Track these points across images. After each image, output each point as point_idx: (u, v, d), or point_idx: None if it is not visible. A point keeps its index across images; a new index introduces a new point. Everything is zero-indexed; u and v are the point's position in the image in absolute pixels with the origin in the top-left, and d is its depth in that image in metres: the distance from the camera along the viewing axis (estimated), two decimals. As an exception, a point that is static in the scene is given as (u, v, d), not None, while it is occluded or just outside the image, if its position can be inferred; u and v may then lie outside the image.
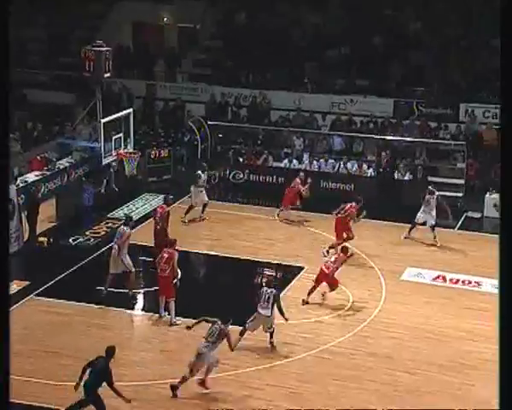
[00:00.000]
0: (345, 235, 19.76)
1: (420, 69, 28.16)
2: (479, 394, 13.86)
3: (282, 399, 13.43)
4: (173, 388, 13.23)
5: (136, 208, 23.30)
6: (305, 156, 26.33)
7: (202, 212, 22.13)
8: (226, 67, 30.13)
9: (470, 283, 18.65)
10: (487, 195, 23.67)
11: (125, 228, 17.22)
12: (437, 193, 21.20)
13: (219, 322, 13.55)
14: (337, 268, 17.42)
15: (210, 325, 13.60)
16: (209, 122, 27.25)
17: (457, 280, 18.79)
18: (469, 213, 23.58)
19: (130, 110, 24.20)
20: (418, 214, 21.00)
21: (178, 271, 16.54)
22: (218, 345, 13.53)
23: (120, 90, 29.42)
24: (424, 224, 21.03)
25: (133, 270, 17.05)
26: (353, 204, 19.99)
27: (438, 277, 18.95)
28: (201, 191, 22.08)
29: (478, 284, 18.56)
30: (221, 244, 20.62)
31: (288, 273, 19.08)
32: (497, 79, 26.91)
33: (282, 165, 26.13)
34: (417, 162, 25.53)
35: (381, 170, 25.36)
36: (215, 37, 31.85)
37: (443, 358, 15.14)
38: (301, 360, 14.88)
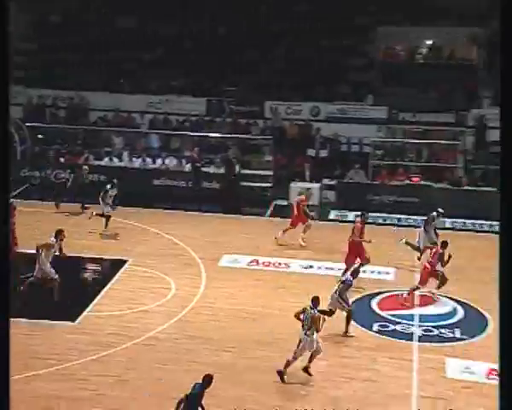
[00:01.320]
0: (361, 256, 18.03)
1: (228, 69, 28.73)
2: (291, 364, 14.46)
3: (107, 387, 13.32)
4: (280, 373, 13.57)
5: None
6: (125, 154, 26.25)
7: (106, 226, 21.01)
8: (42, 69, 29.27)
9: (280, 264, 19.38)
10: (292, 184, 24.74)
11: (52, 239, 16.72)
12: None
13: (309, 307, 13.82)
14: (436, 263, 17.10)
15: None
16: (27, 124, 26.45)
17: (269, 263, 19.45)
18: (278, 202, 24.50)
19: None
20: (422, 239, 19.31)
21: None
22: (314, 331, 13.65)
23: None
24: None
25: (55, 277, 16.40)
26: (358, 219, 18.74)
27: (252, 261, 19.51)
28: (107, 204, 21.15)
29: (287, 265, 19.32)
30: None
31: (112, 267, 18.94)
32: (297, 75, 28.07)
33: (103, 163, 25.91)
34: (231, 156, 26.11)
35: (196, 164, 25.72)
36: (29, 38, 30.79)
37: (258, 335, 15.59)
38: (127, 349, 14.82)
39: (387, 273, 18.82)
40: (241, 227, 22.02)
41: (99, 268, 19.24)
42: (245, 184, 25.20)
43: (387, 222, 22.97)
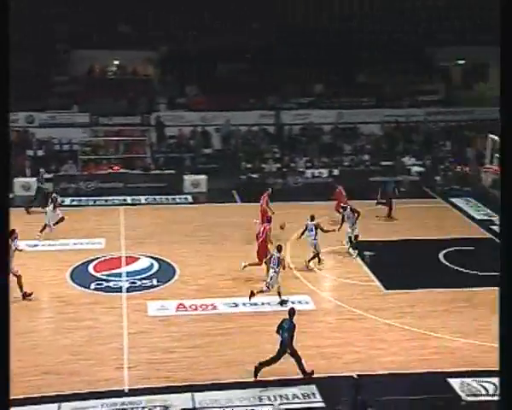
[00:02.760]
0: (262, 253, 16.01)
1: None
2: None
3: None
4: (252, 294, 14.26)
5: None
6: None
7: (55, 224, 18.61)
8: None
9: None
10: (15, 179, 23.34)
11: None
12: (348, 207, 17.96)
13: (275, 252, 14.56)
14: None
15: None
16: None
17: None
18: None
19: None
20: (349, 230, 17.52)
21: None
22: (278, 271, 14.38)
23: None
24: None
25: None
26: (266, 224, 16.63)
27: None
28: (55, 211, 18.71)
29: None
30: None
31: None
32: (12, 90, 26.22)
33: None
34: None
35: None
36: None
37: None
38: None
39: (100, 243, 18.71)
40: None
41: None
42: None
43: (97, 203, 22.76)
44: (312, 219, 16.98)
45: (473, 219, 21.23)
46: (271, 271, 14.53)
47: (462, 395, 11.41)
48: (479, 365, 12.25)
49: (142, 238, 18.87)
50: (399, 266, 17.21)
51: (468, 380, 11.78)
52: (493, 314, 14.22)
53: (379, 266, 17.08)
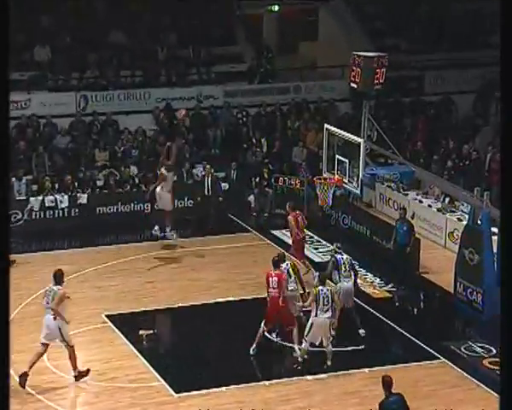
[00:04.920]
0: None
1: None
2: None
3: None
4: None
5: None
6: None
7: None
8: None
9: None
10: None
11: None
12: None
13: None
14: None
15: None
16: None
17: None
18: None
19: None
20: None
21: None
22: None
23: None
24: None
25: None
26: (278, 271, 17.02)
27: None
28: None
29: None
30: None
31: None
32: None
33: None
34: None
35: None
36: None
37: None
38: None
39: None
40: None
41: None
42: None
43: None
44: (278, 262, 17.30)
45: (308, 260, 21.87)
46: (325, 315, 16.41)
47: None
48: None
49: None
50: (197, 350, 17.42)
51: None
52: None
53: (163, 354, 17.36)
